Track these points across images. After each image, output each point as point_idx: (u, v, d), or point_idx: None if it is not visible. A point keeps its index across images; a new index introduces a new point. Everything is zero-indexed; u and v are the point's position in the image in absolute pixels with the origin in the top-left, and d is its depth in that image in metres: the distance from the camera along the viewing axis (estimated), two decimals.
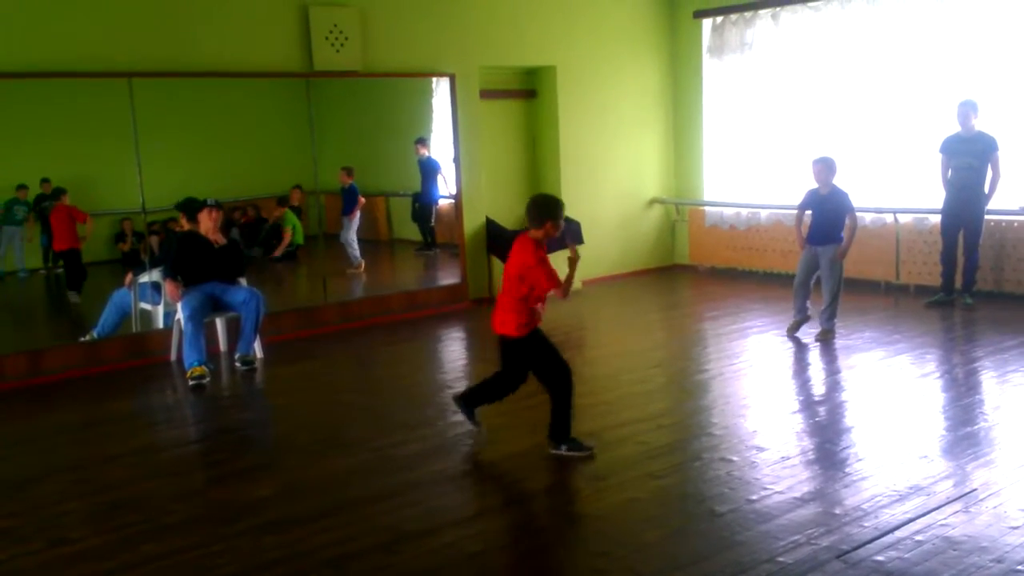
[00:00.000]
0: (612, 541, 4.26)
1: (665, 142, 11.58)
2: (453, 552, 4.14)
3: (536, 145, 10.98)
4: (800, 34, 10.18)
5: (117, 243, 8.79)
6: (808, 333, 7.80)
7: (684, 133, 11.54)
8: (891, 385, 6.43)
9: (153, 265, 7.90)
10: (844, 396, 6.35)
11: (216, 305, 7.41)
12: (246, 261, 7.92)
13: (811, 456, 5.16)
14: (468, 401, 5.51)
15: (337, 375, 7.59)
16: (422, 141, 10.18)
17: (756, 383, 6.74)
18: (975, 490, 4.51)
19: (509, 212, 10.60)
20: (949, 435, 5.39)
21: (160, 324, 7.98)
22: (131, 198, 8.05)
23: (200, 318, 7.17)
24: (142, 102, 7.84)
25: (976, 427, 5.47)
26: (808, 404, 6.22)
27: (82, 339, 7.81)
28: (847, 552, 3.91)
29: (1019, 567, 3.73)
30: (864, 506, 4.37)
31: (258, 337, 7.60)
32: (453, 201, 9.93)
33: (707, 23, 11.03)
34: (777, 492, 4.60)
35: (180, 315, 7.28)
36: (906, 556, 3.86)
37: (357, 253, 10.02)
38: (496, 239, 10.01)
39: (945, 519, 4.19)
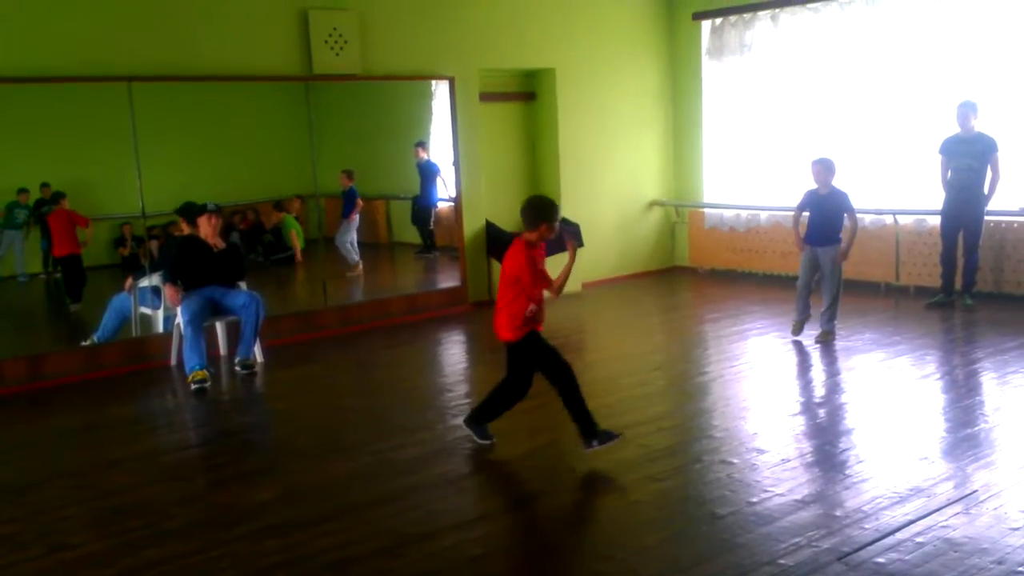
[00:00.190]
0: (613, 544, 4.26)
1: (664, 144, 11.59)
2: (454, 555, 4.14)
3: (536, 148, 10.98)
4: (799, 36, 10.19)
5: (117, 248, 8.79)
6: (808, 335, 7.79)
7: (683, 135, 11.55)
8: (891, 387, 6.43)
9: (153, 269, 7.91)
10: (844, 398, 6.35)
11: (216, 309, 7.41)
12: (246, 264, 7.92)
13: (812, 458, 5.16)
14: (478, 419, 5.47)
15: (337, 379, 7.59)
16: (421, 144, 10.19)
17: (756, 385, 6.74)
18: (976, 492, 4.51)
19: (509, 215, 10.58)
20: (949, 437, 5.39)
21: (160, 328, 7.98)
22: (131, 202, 8.05)
23: (200, 322, 7.17)
24: (142, 106, 7.85)
25: (976, 428, 5.47)
26: (808, 406, 6.22)
27: (83, 344, 7.81)
28: (848, 554, 3.91)
29: (1020, 568, 3.73)
30: (865, 508, 4.37)
31: (258, 341, 7.60)
32: (453, 204, 9.94)
33: (706, 25, 11.04)
34: (778, 494, 4.60)
35: (180, 319, 7.28)
36: (907, 558, 3.86)
37: (355, 255, 10.01)
38: (496, 242, 10.01)
39: (946, 521, 4.19)
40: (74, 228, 8.18)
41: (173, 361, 7.71)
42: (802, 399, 6.42)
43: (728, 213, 11.02)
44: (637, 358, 7.63)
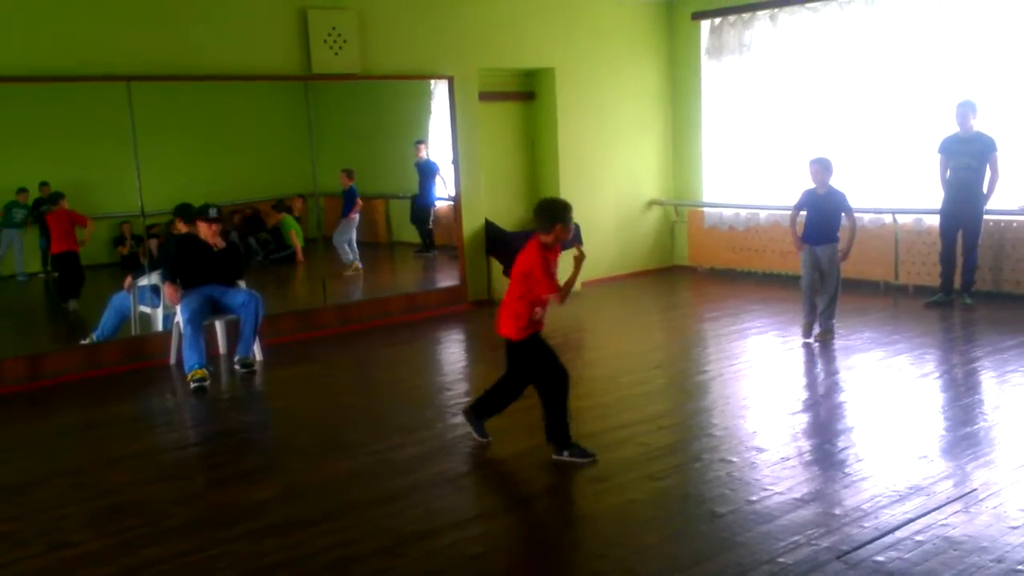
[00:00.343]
0: (612, 542, 4.27)
1: (664, 143, 11.59)
2: (453, 554, 4.15)
3: (535, 147, 10.98)
4: (798, 35, 10.19)
5: (116, 247, 8.79)
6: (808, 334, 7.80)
7: (683, 134, 11.55)
8: (890, 385, 6.44)
9: (152, 268, 7.91)
10: (843, 397, 6.35)
11: (215, 308, 7.40)
12: (245, 263, 7.91)
13: (811, 457, 5.16)
14: (478, 412, 5.48)
15: (337, 377, 7.59)
16: (422, 142, 10.18)
17: (756, 384, 6.74)
18: (975, 490, 4.51)
19: (508, 214, 10.61)
20: (949, 435, 5.39)
21: (159, 327, 7.98)
22: (130, 202, 8.05)
23: (200, 320, 7.17)
24: (141, 106, 7.85)
25: (976, 427, 5.47)
26: (808, 405, 6.22)
27: (82, 342, 7.81)
28: (847, 552, 3.91)
29: (1019, 567, 3.73)
30: (864, 506, 4.37)
31: (257, 339, 7.60)
32: (452, 203, 9.94)
33: (705, 24, 11.04)
34: (777, 493, 4.60)
35: (179, 318, 7.28)
36: (906, 556, 3.86)
37: (350, 255, 9.98)
38: (495, 241, 10.02)
39: (945, 519, 4.19)
40: (73, 227, 8.18)
41: (172, 360, 7.71)
42: (801, 398, 6.42)
43: (727, 212, 11.02)
44: (636, 357, 7.63)
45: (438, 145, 10.05)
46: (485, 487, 5.12)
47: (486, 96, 10.18)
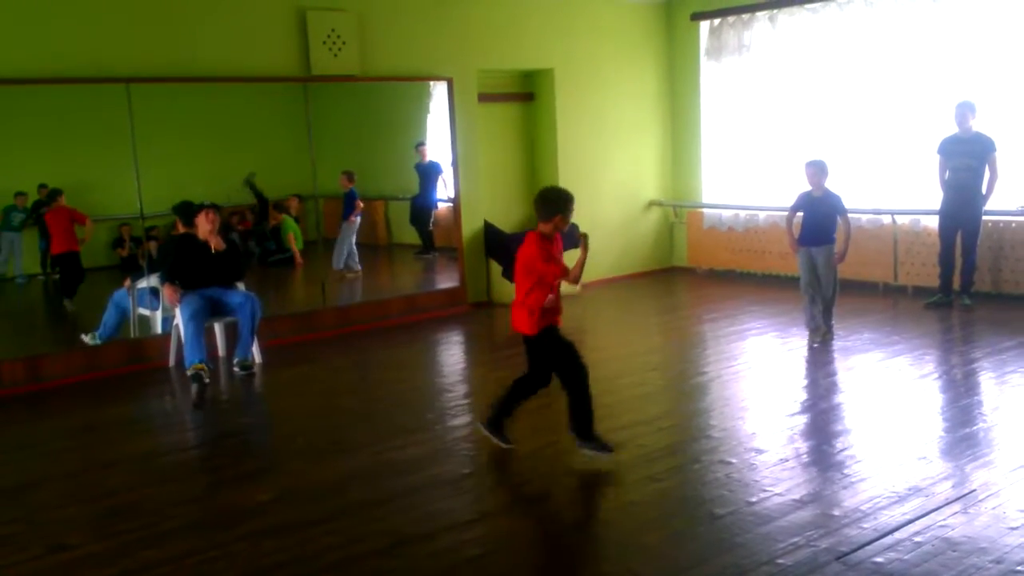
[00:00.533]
0: (612, 544, 4.27)
1: (663, 144, 11.59)
2: (453, 556, 4.15)
3: (534, 148, 10.99)
4: (797, 36, 10.19)
5: (115, 248, 8.78)
6: (807, 334, 7.79)
7: (682, 135, 11.55)
8: (890, 386, 6.44)
9: (151, 269, 7.91)
10: (842, 398, 6.35)
11: (215, 308, 7.40)
12: (245, 263, 7.90)
13: (810, 458, 5.17)
14: (495, 421, 5.41)
15: (336, 379, 7.59)
16: (423, 145, 10.16)
17: (755, 385, 6.75)
18: (974, 491, 4.52)
19: (507, 215, 10.61)
20: (948, 436, 5.39)
21: (159, 329, 7.98)
22: (129, 204, 8.05)
23: (201, 319, 7.18)
24: (140, 108, 7.85)
25: (975, 428, 5.47)
26: (807, 406, 6.22)
27: (84, 338, 7.80)
28: (846, 554, 3.91)
29: (1018, 567, 3.73)
30: (863, 508, 4.37)
31: (256, 341, 7.60)
32: (451, 205, 9.94)
33: (704, 25, 11.04)
34: (776, 494, 4.60)
35: (179, 319, 7.29)
36: (905, 557, 3.86)
37: (342, 261, 9.94)
38: (494, 242, 10.02)
39: (944, 520, 4.19)
40: (73, 226, 8.17)
41: (171, 362, 7.71)
42: (800, 399, 6.42)
43: (727, 213, 11.03)
44: (636, 358, 7.63)
45: (437, 146, 10.05)
46: (485, 489, 5.11)
47: (485, 97, 10.18)
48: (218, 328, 7.84)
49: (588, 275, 10.33)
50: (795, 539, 4.08)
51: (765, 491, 4.65)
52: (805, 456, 5.20)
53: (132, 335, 7.98)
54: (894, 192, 9.56)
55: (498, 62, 10.13)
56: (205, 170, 9.04)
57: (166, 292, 7.33)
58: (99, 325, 7.86)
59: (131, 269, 8.32)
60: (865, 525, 4.18)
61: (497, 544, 4.33)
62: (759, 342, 7.85)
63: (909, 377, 6.63)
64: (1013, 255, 8.85)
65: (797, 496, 4.56)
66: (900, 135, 9.51)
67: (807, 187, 7.68)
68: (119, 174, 7.99)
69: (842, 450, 5.22)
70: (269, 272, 9.96)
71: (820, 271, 7.61)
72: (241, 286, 7.65)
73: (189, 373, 6.98)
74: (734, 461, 5.10)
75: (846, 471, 4.87)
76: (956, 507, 4.33)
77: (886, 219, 9.57)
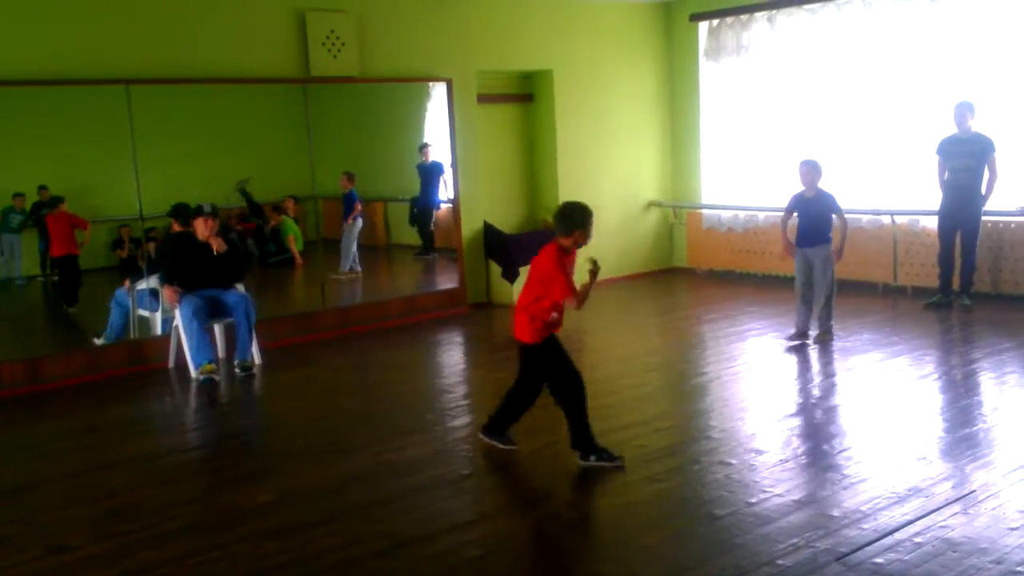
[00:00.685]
0: (612, 544, 4.27)
1: (662, 145, 11.60)
2: (453, 557, 4.15)
3: (534, 149, 10.99)
4: (796, 37, 10.20)
5: (115, 250, 8.78)
6: (807, 335, 7.79)
7: (681, 136, 11.56)
8: (889, 387, 6.44)
9: (151, 269, 7.90)
10: (842, 398, 6.35)
11: (213, 308, 7.39)
12: (245, 265, 7.89)
13: (810, 459, 5.17)
14: (494, 428, 5.40)
15: (336, 380, 7.59)
16: (428, 146, 10.14)
17: (754, 386, 6.75)
18: (974, 491, 4.52)
19: (507, 216, 10.61)
20: (948, 437, 5.40)
21: (158, 331, 7.98)
22: (128, 205, 8.05)
23: (203, 318, 7.20)
24: (139, 109, 7.85)
25: (975, 428, 5.47)
26: (806, 407, 6.22)
27: (96, 341, 7.83)
28: (846, 555, 3.92)
29: (1018, 568, 3.73)
30: (863, 508, 4.37)
31: (256, 343, 7.60)
32: (451, 206, 9.94)
33: (703, 26, 11.05)
34: (776, 495, 4.60)
35: (178, 320, 7.30)
36: (905, 558, 3.86)
37: (348, 263, 9.96)
38: (494, 243, 10.02)
39: (944, 521, 4.20)
40: (73, 230, 8.19)
41: (171, 363, 7.71)
42: (800, 400, 6.42)
43: (726, 214, 11.03)
44: (635, 359, 7.63)
45: (437, 147, 10.05)
46: (485, 490, 5.11)
47: (484, 98, 10.19)
48: (217, 329, 7.84)
49: (587, 276, 10.38)
50: (795, 540, 4.08)
51: (765, 492, 4.65)
52: (805, 457, 5.20)
53: (132, 336, 7.98)
54: (893, 192, 9.57)
55: (497, 63, 10.14)
56: (205, 171, 9.04)
57: (166, 293, 7.34)
58: (106, 327, 7.88)
59: (130, 270, 8.32)
60: (865, 526, 4.18)
61: (497, 545, 4.33)
62: (759, 343, 7.85)
63: (909, 378, 6.63)
64: (1012, 255, 8.85)
65: (797, 497, 4.56)
66: (899, 135, 9.52)
67: (801, 188, 7.70)
68: (119, 175, 8.00)
69: (842, 451, 5.22)
70: (269, 273, 9.96)
71: (816, 272, 7.62)
72: (240, 287, 7.65)
73: (199, 376, 6.99)
74: (734, 462, 5.10)
75: (846, 472, 4.87)
76: (956, 508, 4.33)
77: (885, 219, 9.58)
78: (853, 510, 4.36)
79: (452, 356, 8.69)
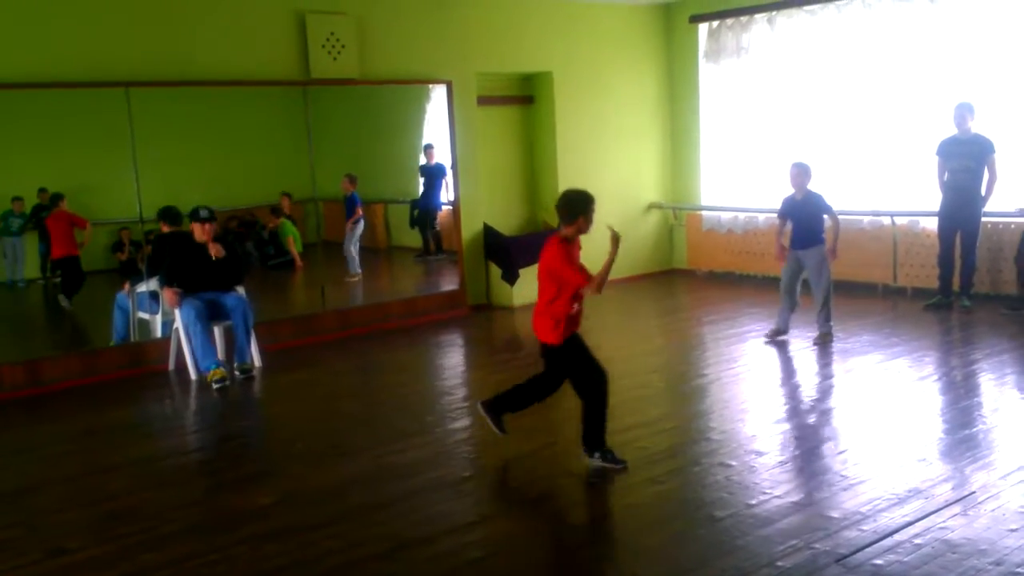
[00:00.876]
0: (612, 545, 4.27)
1: (662, 147, 11.60)
2: (454, 559, 4.15)
3: (534, 151, 11.00)
4: (796, 38, 10.20)
5: (115, 252, 8.78)
6: (807, 337, 7.80)
7: (681, 138, 11.56)
8: (889, 388, 6.44)
9: (149, 269, 7.90)
10: (842, 400, 6.35)
11: (213, 311, 7.39)
12: (244, 268, 7.90)
13: (809, 460, 5.17)
14: (496, 407, 5.34)
15: (336, 383, 7.59)
16: (432, 147, 10.13)
17: (754, 387, 6.75)
18: (974, 493, 4.52)
19: (507, 218, 10.62)
20: (947, 438, 5.39)
21: (158, 333, 7.98)
22: (128, 207, 8.06)
23: (206, 321, 7.20)
24: (139, 111, 7.85)
25: (974, 430, 5.47)
26: (806, 408, 6.23)
27: (111, 344, 7.90)
28: (846, 556, 3.92)
29: (1018, 569, 3.73)
30: (863, 510, 4.37)
31: (255, 345, 7.60)
32: (451, 208, 9.95)
33: (703, 28, 11.05)
34: (776, 496, 4.60)
35: (179, 323, 7.30)
36: (905, 560, 3.86)
37: (356, 264, 9.97)
38: (494, 245, 10.02)
39: (944, 522, 4.20)
40: (72, 230, 8.19)
41: (171, 366, 7.72)
42: (800, 402, 6.42)
43: (726, 215, 11.03)
44: (635, 360, 7.63)
45: (436, 149, 10.05)
46: (486, 491, 5.11)
47: (484, 100, 10.19)
48: (217, 332, 7.83)
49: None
50: (794, 541, 4.08)
51: (765, 493, 4.65)
52: (804, 459, 5.20)
53: (132, 339, 7.98)
54: (893, 193, 9.57)
55: (497, 65, 10.14)
56: (205, 174, 9.05)
57: (166, 296, 7.33)
58: (112, 331, 7.93)
59: (130, 273, 8.32)
60: (865, 527, 4.18)
61: (498, 547, 4.33)
62: (759, 344, 7.85)
63: (908, 379, 6.63)
64: (1012, 256, 8.83)
65: (797, 498, 4.56)
66: (899, 137, 9.52)
67: (790, 191, 7.74)
68: (118, 178, 8.00)
69: (841, 452, 5.22)
70: (268, 275, 9.95)
71: (812, 274, 7.66)
72: (241, 290, 7.65)
73: (213, 382, 7.01)
74: (734, 463, 5.10)
75: (845, 473, 4.87)
76: (956, 509, 4.33)
77: (885, 220, 9.57)
78: (853, 511, 4.36)
79: (452, 358, 8.69)
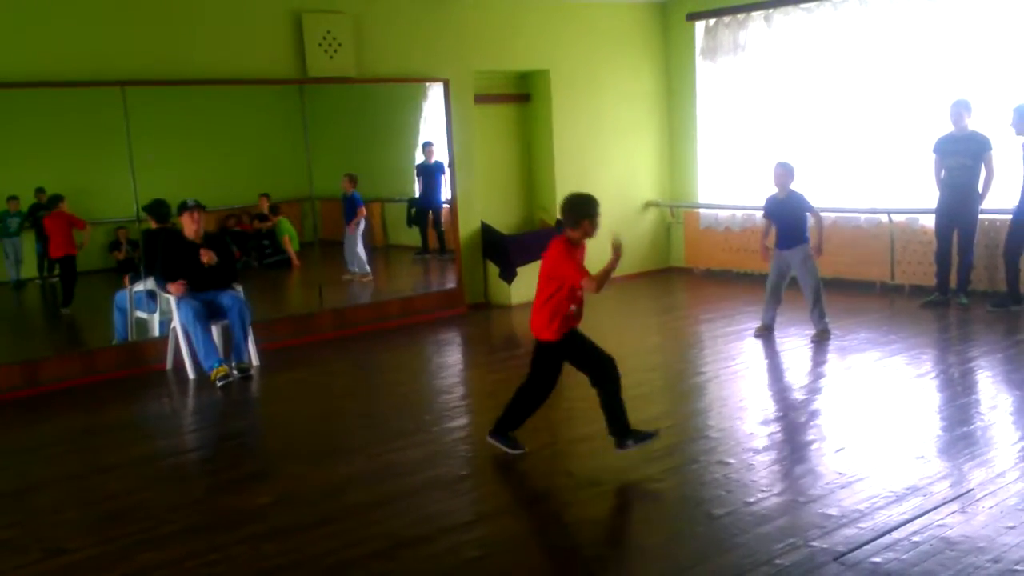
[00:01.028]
0: (611, 544, 4.27)
1: (659, 144, 11.60)
2: (452, 558, 4.15)
3: (531, 149, 11.00)
4: (793, 36, 10.21)
5: (112, 251, 8.78)
6: (804, 335, 7.81)
7: (678, 135, 11.56)
8: (887, 386, 6.45)
9: (145, 267, 7.89)
10: (839, 397, 6.35)
11: (210, 310, 7.38)
12: (238, 267, 7.89)
13: (807, 458, 5.17)
14: (501, 430, 5.31)
15: (334, 382, 7.59)
16: (432, 145, 10.12)
17: (752, 385, 6.75)
18: (972, 490, 4.52)
19: (504, 216, 10.61)
20: (945, 435, 5.40)
21: (156, 333, 7.98)
22: (125, 207, 8.05)
23: (206, 320, 7.20)
24: (136, 111, 7.85)
25: (972, 427, 5.48)
26: (804, 406, 6.23)
27: (113, 344, 7.89)
28: (844, 554, 3.92)
29: (1016, 566, 3.74)
30: (861, 507, 4.38)
31: (253, 344, 7.60)
32: (448, 206, 9.95)
33: (700, 25, 11.05)
34: (774, 494, 4.61)
35: (176, 323, 7.30)
36: (903, 557, 3.87)
37: (364, 264, 9.96)
38: (491, 244, 10.02)
39: (942, 519, 4.20)
40: (71, 230, 8.19)
41: (169, 365, 7.71)
42: (798, 399, 6.43)
43: (723, 213, 11.03)
44: (633, 358, 7.62)
45: (435, 149, 10.05)
46: (484, 490, 5.11)
47: (481, 99, 10.19)
48: (214, 331, 7.83)
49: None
50: (793, 539, 4.09)
51: (763, 491, 4.66)
52: (802, 456, 5.20)
53: (130, 338, 7.97)
54: (890, 191, 9.57)
55: (494, 63, 10.14)
56: (201, 172, 9.05)
57: (172, 288, 7.27)
58: (113, 332, 7.95)
59: (128, 272, 8.32)
60: (863, 525, 4.19)
61: (496, 546, 4.33)
62: (756, 342, 7.85)
63: (906, 376, 6.64)
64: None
65: (795, 496, 4.57)
66: (896, 134, 9.52)
67: (791, 191, 7.77)
68: (115, 177, 7.99)
69: (839, 450, 5.22)
70: (265, 274, 9.95)
71: (798, 273, 7.71)
72: (239, 288, 7.64)
73: (217, 381, 7.02)
74: (732, 461, 5.10)
75: (843, 471, 4.87)
76: (954, 506, 4.34)
77: (883, 218, 9.58)
78: (851, 509, 4.36)
79: (450, 357, 8.68)
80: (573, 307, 5.09)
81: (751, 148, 10.75)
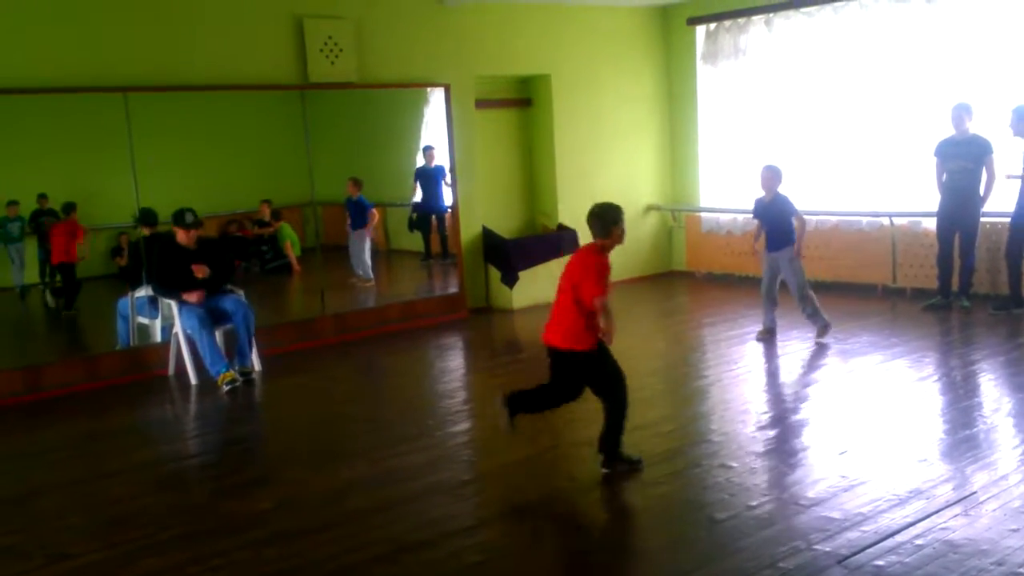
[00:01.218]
0: (613, 549, 4.26)
1: (660, 148, 11.61)
2: (454, 562, 4.14)
3: (532, 154, 11.00)
4: (794, 40, 10.21)
5: (114, 257, 8.79)
6: (806, 338, 7.81)
7: (679, 139, 11.57)
8: (889, 389, 6.44)
9: (149, 277, 7.89)
10: (842, 400, 6.34)
11: (213, 315, 7.38)
12: (233, 270, 7.90)
13: (810, 461, 5.17)
14: (513, 403, 5.18)
15: (336, 387, 7.59)
16: (432, 149, 10.12)
17: (754, 389, 6.75)
18: (975, 493, 4.52)
19: (506, 221, 10.62)
20: (948, 438, 5.40)
21: (158, 338, 7.98)
22: (127, 212, 8.05)
23: (210, 326, 7.21)
24: (137, 116, 7.86)
25: (975, 430, 5.47)
26: (807, 409, 6.22)
27: (116, 348, 7.93)
28: (848, 557, 3.92)
29: (1020, 569, 3.73)
30: (864, 510, 4.37)
31: (255, 349, 7.60)
32: (450, 211, 9.95)
33: (701, 30, 11.06)
34: (777, 498, 4.60)
35: (179, 330, 7.30)
36: (907, 560, 3.86)
37: (368, 269, 9.98)
38: (493, 248, 10.02)
39: (945, 523, 4.20)
40: (74, 240, 8.22)
41: (171, 371, 7.71)
42: (800, 402, 6.42)
43: (724, 217, 11.03)
44: (635, 362, 7.60)
45: (435, 153, 10.06)
46: (485, 495, 5.11)
47: (482, 103, 10.20)
48: (217, 336, 7.83)
49: None
50: (796, 543, 4.08)
51: (765, 495, 4.65)
52: (805, 459, 5.20)
53: (131, 344, 7.98)
54: (892, 194, 9.57)
55: (495, 68, 10.15)
56: (203, 178, 9.05)
57: (191, 297, 7.26)
58: (116, 337, 7.98)
59: (129, 278, 8.32)
60: (866, 528, 4.18)
61: (498, 550, 4.33)
62: (758, 346, 7.85)
63: (908, 379, 6.64)
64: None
65: (797, 500, 4.56)
66: (897, 137, 9.52)
67: (783, 193, 7.84)
68: (117, 183, 8.01)
69: (842, 453, 5.21)
70: (267, 279, 9.95)
71: (784, 274, 7.77)
72: (241, 294, 7.64)
73: (224, 385, 7.04)
74: (734, 465, 5.10)
75: (846, 474, 4.86)
76: (957, 509, 4.33)
77: (884, 221, 9.58)
78: (854, 512, 4.36)
79: (452, 361, 8.68)
80: (599, 319, 4.96)
81: (753, 152, 10.74)
